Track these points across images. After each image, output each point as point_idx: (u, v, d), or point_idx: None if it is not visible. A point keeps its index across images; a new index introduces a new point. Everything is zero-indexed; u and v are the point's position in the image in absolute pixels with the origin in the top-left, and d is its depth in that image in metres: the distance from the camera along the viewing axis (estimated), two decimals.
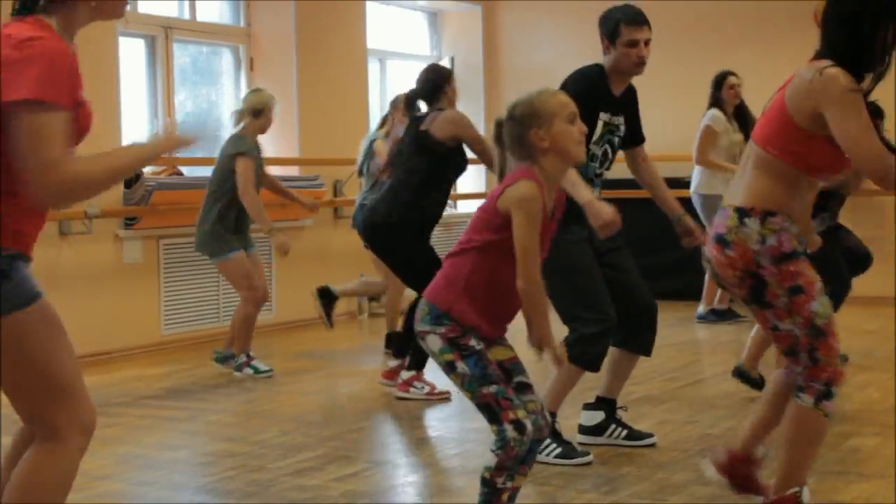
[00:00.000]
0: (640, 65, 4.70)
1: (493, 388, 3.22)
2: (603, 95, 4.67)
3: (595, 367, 4.62)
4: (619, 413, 4.90)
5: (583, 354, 4.51)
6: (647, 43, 4.68)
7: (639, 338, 4.80)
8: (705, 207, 8.41)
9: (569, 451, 4.57)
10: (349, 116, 9.56)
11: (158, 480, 4.53)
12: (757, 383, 5.76)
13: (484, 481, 3.26)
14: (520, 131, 3.29)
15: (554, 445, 4.52)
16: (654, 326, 4.81)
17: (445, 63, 11.26)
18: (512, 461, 3.22)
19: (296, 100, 9.22)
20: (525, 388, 3.32)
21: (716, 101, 8.46)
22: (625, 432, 4.82)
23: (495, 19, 11.42)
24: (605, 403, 4.87)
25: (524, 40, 11.08)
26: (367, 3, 10.04)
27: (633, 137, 4.89)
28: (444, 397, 5.97)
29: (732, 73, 8.40)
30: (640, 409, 5.49)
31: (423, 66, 6.33)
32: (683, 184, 9.01)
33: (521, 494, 4.26)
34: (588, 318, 4.52)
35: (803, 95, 3.41)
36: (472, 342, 3.25)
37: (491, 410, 3.22)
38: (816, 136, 3.41)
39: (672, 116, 9.65)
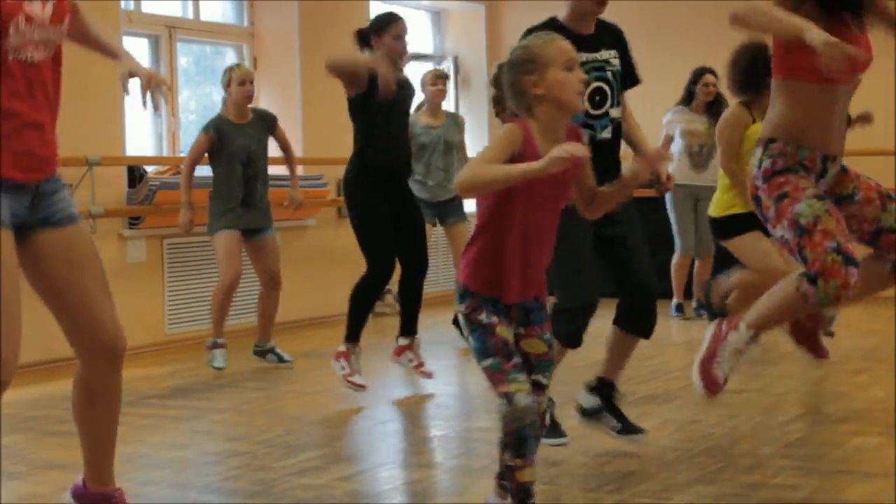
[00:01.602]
0: (600, 3, 4.51)
1: (489, 361, 3.25)
2: (567, 37, 4.49)
3: (571, 344, 4.53)
4: (617, 399, 4.75)
5: (557, 329, 4.28)
6: None
7: (633, 320, 4.63)
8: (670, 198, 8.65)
9: (552, 432, 4.56)
10: None
11: (163, 480, 4.54)
12: (715, 313, 6.18)
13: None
14: (513, 77, 3.25)
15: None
16: (649, 309, 4.61)
17: (449, 63, 11.26)
18: (510, 437, 3.21)
19: (299, 99, 9.23)
20: (539, 388, 3.33)
21: (689, 95, 8.66)
22: (619, 426, 4.70)
23: (499, 19, 11.43)
24: (604, 387, 4.72)
25: None
26: (371, 3, 10.05)
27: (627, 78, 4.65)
28: (426, 375, 6.34)
29: (711, 72, 8.54)
30: (643, 408, 5.49)
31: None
32: None
33: None
34: (563, 293, 4.47)
35: None
36: (482, 316, 3.27)
37: (490, 384, 3.26)
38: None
39: None
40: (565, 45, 3.25)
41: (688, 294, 8.98)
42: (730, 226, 5.80)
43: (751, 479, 4.26)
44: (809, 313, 4.12)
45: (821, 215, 3.54)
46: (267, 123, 7.01)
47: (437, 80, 7.93)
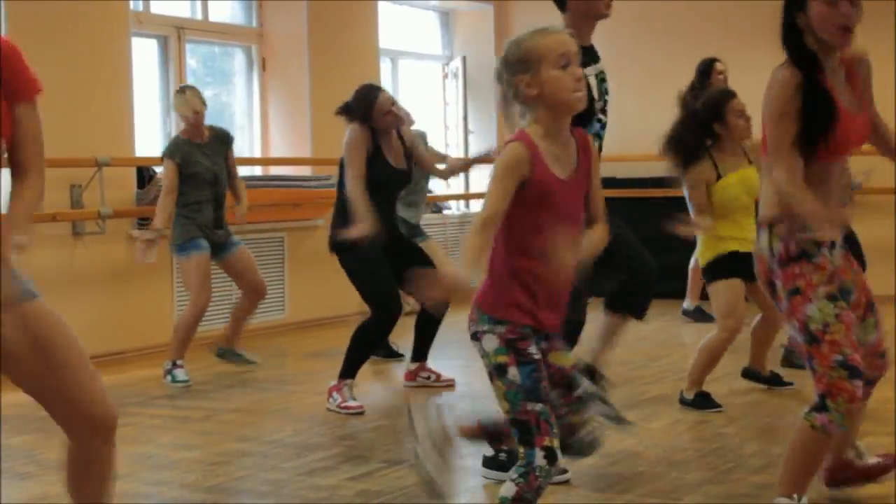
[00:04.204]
0: (609, 6, 4.30)
1: (538, 407, 2.86)
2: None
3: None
4: (603, 385, 4.71)
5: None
6: None
7: (628, 298, 4.67)
8: None
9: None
10: None
11: (172, 480, 4.55)
12: (768, 380, 5.98)
13: None
14: (508, 77, 2.94)
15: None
16: (648, 286, 4.63)
17: (457, 63, 11.25)
18: (532, 493, 2.87)
19: (308, 100, 9.23)
20: (582, 402, 3.06)
21: (704, 89, 8.38)
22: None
23: (508, 19, 11.42)
24: (588, 372, 4.61)
25: None
26: (380, 3, 10.05)
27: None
28: (449, 384, 6.31)
29: (717, 60, 8.28)
30: (653, 409, 5.49)
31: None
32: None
33: None
34: None
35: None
36: (532, 349, 2.92)
37: (527, 431, 2.86)
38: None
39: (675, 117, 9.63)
40: (561, 37, 2.93)
41: (703, 296, 8.90)
42: (713, 270, 5.62)
43: (761, 480, 4.25)
44: (837, 462, 3.97)
45: (831, 322, 3.41)
46: (224, 143, 6.80)
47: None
